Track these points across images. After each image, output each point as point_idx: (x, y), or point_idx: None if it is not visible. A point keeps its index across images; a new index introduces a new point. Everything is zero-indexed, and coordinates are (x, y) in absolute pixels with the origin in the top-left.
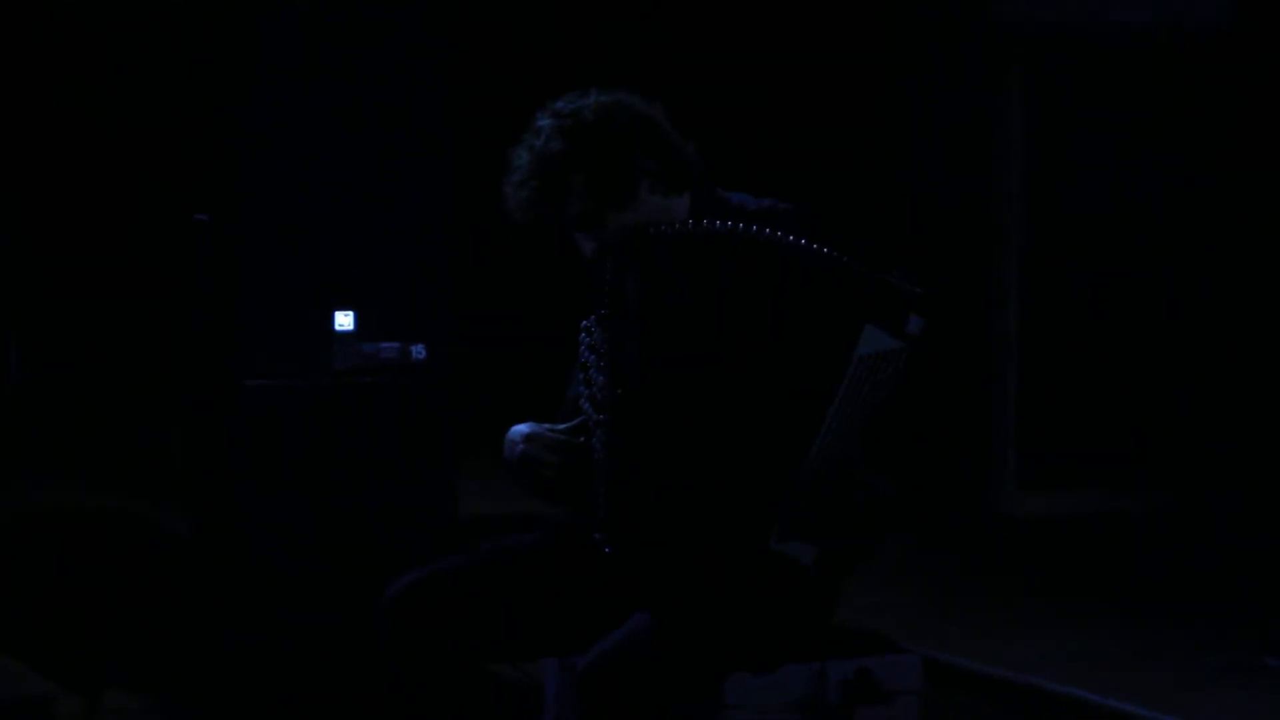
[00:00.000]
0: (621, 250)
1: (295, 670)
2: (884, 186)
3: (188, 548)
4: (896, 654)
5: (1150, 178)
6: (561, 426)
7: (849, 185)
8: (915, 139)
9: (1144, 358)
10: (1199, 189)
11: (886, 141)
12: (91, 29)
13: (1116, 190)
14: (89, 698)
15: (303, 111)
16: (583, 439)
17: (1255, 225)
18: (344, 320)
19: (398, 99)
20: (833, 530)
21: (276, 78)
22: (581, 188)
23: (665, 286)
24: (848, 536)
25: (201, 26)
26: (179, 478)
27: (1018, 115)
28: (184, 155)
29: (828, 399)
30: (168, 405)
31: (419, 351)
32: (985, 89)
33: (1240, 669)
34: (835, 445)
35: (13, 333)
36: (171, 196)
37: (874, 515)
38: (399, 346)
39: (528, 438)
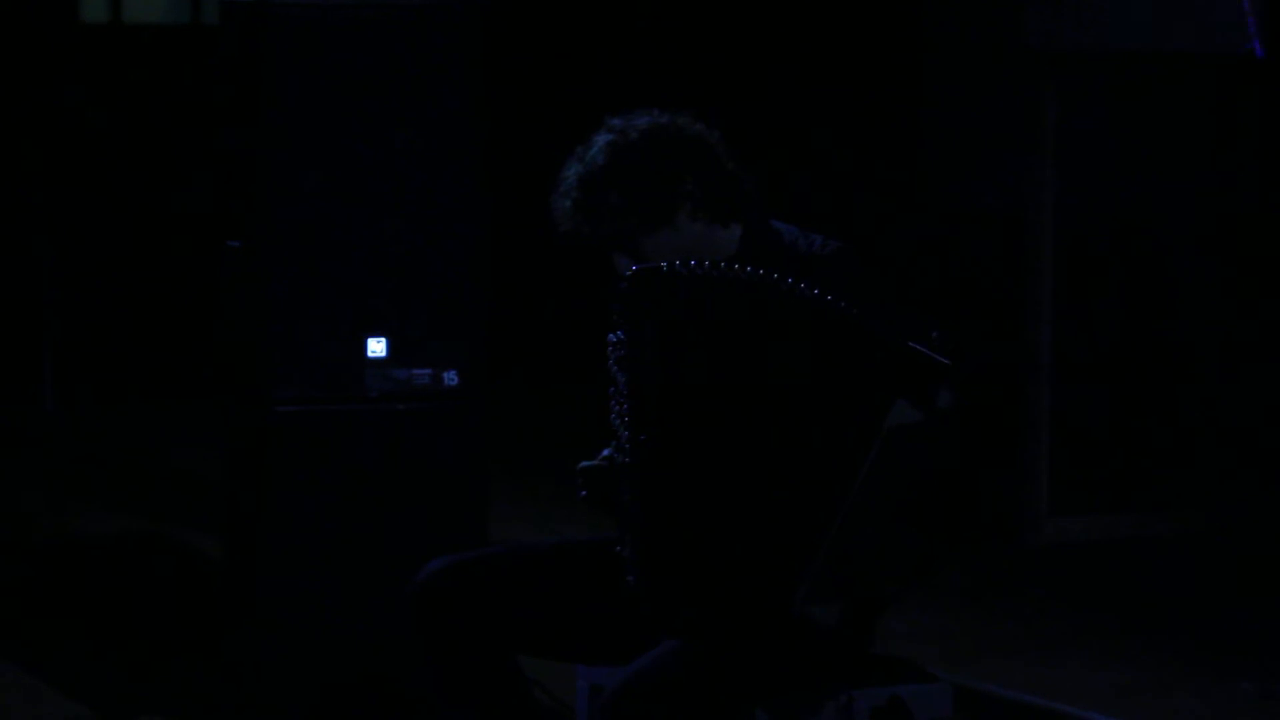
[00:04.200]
0: (636, 287)
1: (331, 694)
2: (917, 207)
3: (223, 572)
4: (928, 682)
5: (1184, 201)
6: (605, 453)
7: (883, 205)
8: (949, 160)
9: (1179, 378)
10: (1234, 210)
11: (920, 162)
12: (124, 56)
13: (1151, 212)
14: None
15: (335, 137)
16: (620, 460)
17: None
18: (376, 346)
19: (431, 124)
20: (855, 589)
21: (309, 103)
22: (617, 206)
23: (683, 331)
24: (870, 592)
25: (235, 53)
26: (213, 503)
27: (1051, 137)
28: (217, 181)
29: (854, 467)
30: (201, 432)
31: (451, 378)
32: (1019, 111)
33: (1275, 696)
34: (860, 513)
35: (48, 362)
36: (205, 223)
37: (898, 570)
38: (431, 373)
39: (579, 472)
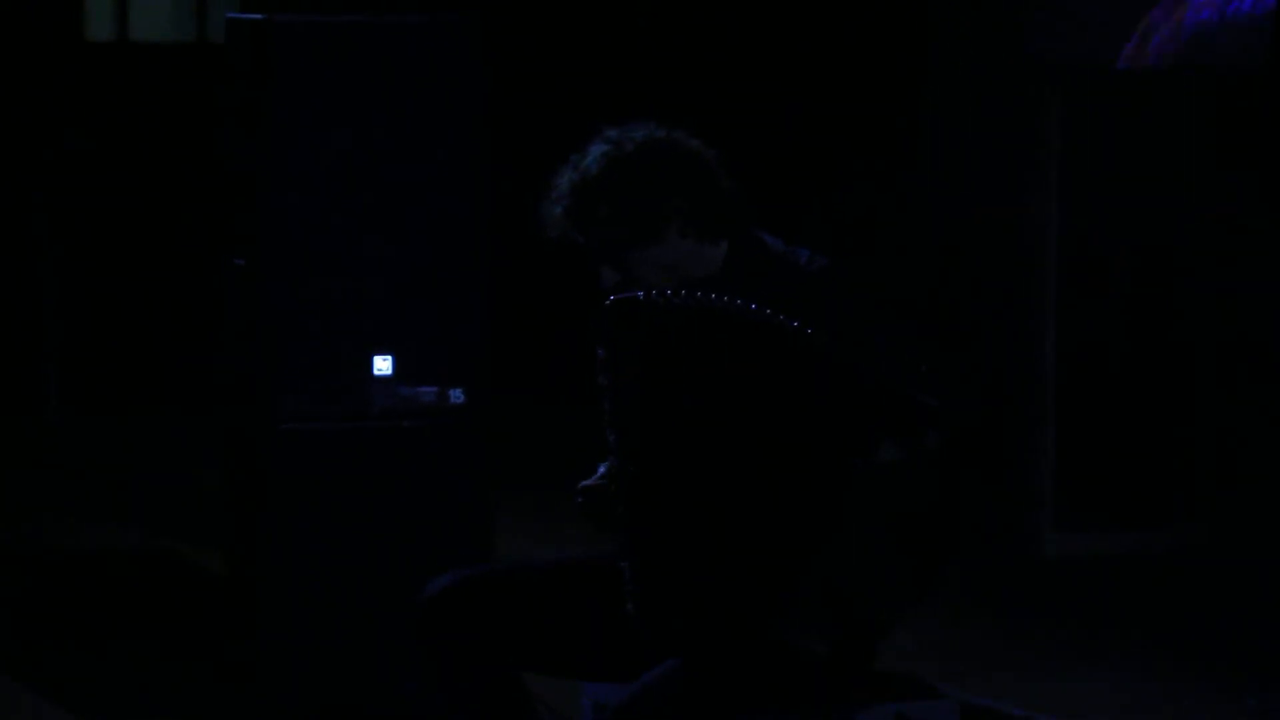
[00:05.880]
0: (615, 318)
1: (333, 710)
2: (920, 217)
3: (224, 588)
4: (933, 699)
5: (1187, 215)
6: (601, 470)
7: (886, 214)
8: (952, 170)
9: (1183, 394)
10: (1236, 226)
11: (922, 176)
12: (129, 74)
13: (1154, 227)
14: None
15: (339, 155)
16: (613, 488)
17: None
18: (382, 364)
19: (434, 141)
20: (850, 614)
21: (313, 121)
22: (607, 219)
23: (662, 363)
24: (865, 618)
25: (240, 70)
26: (216, 517)
27: (1054, 151)
28: (221, 197)
29: (841, 496)
30: (204, 445)
31: (457, 395)
32: (1022, 125)
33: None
34: (849, 541)
35: (51, 373)
36: (209, 237)
37: (890, 596)
38: (437, 390)
39: (578, 491)
